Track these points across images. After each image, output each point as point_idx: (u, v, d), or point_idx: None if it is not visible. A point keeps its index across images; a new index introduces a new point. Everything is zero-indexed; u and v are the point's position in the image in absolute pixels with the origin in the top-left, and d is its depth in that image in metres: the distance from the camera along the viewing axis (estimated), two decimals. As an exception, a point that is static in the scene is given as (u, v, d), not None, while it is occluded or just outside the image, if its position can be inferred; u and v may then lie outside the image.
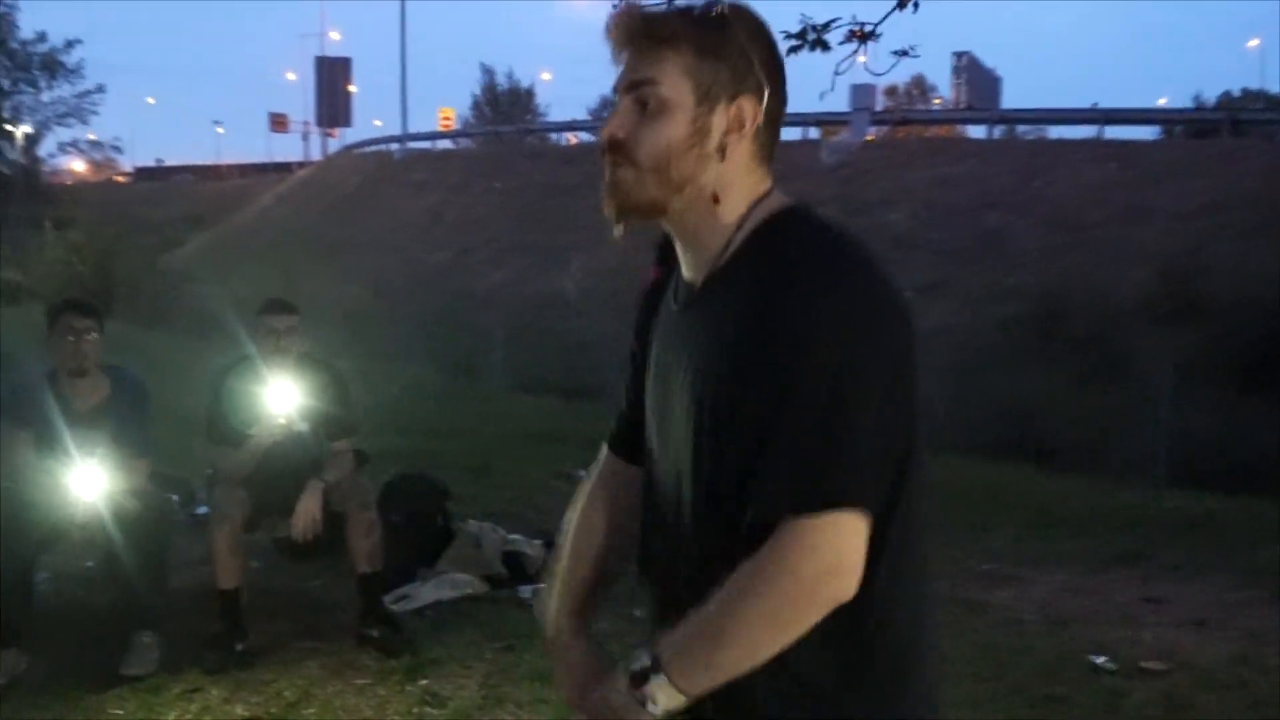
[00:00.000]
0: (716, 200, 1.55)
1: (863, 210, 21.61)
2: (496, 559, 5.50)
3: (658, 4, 1.68)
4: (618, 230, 1.59)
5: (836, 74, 5.48)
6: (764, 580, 1.42)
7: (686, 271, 1.62)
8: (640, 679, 1.48)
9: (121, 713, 4.13)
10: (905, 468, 1.49)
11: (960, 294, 20.99)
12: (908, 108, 56.12)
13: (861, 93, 28.28)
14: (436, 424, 9.30)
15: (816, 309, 1.43)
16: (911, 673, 1.57)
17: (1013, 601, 5.38)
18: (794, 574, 1.41)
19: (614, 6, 1.74)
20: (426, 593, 5.22)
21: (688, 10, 1.57)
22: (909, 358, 1.50)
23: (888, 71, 5.90)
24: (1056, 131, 36.49)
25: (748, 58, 1.54)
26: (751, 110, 1.55)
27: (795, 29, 5.75)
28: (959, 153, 28.73)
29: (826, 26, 5.64)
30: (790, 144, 29.82)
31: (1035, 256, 22.89)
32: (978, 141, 32.33)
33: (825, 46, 5.66)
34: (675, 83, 1.52)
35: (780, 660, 1.46)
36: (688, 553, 1.58)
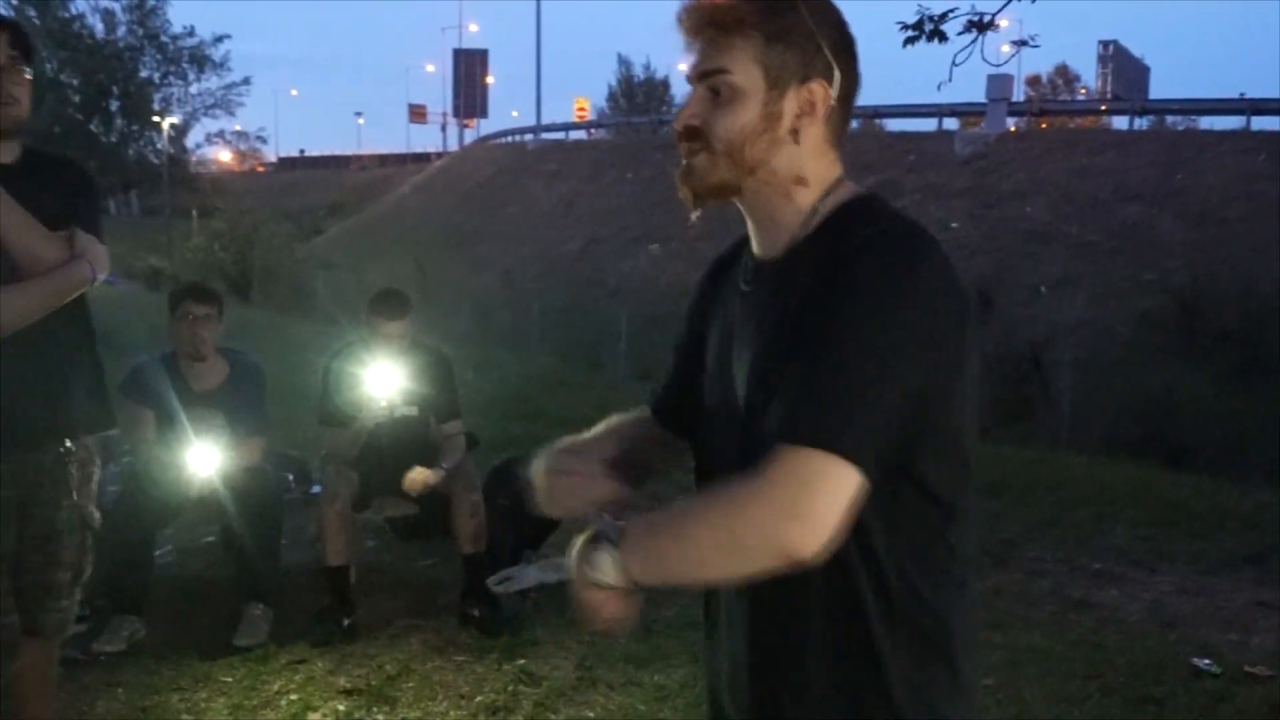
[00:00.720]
0: (798, 182, 1.58)
1: (998, 202, 21.17)
2: (600, 544, 5.55)
3: None
4: (695, 214, 1.64)
5: (954, 65, 5.42)
6: (733, 496, 1.42)
7: (758, 250, 1.65)
8: (595, 540, 1.50)
9: (230, 680, 4.30)
10: (943, 453, 1.51)
11: (1097, 288, 20.45)
12: (1050, 98, 54.79)
13: (998, 83, 27.66)
14: (556, 412, 9.39)
15: (870, 276, 1.45)
16: (936, 667, 1.55)
17: (1120, 600, 5.25)
18: (763, 498, 1.39)
19: None
20: (529, 576, 5.23)
21: None
22: (955, 345, 1.50)
23: (1005, 63, 5.82)
24: (1206, 122, 35.37)
25: (816, 41, 1.55)
26: (823, 93, 1.56)
27: (912, 19, 5.69)
28: (1098, 144, 27.93)
29: (944, 17, 5.57)
30: (924, 135, 29.35)
31: (1176, 250, 22.20)
32: (1118, 132, 31.42)
33: (943, 37, 5.59)
34: (746, 69, 1.54)
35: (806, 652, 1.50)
36: None
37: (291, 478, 6.44)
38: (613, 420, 1.88)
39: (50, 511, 3.06)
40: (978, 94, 28.05)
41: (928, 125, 30.76)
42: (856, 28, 1.63)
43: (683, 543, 1.45)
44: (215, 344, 4.90)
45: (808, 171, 1.58)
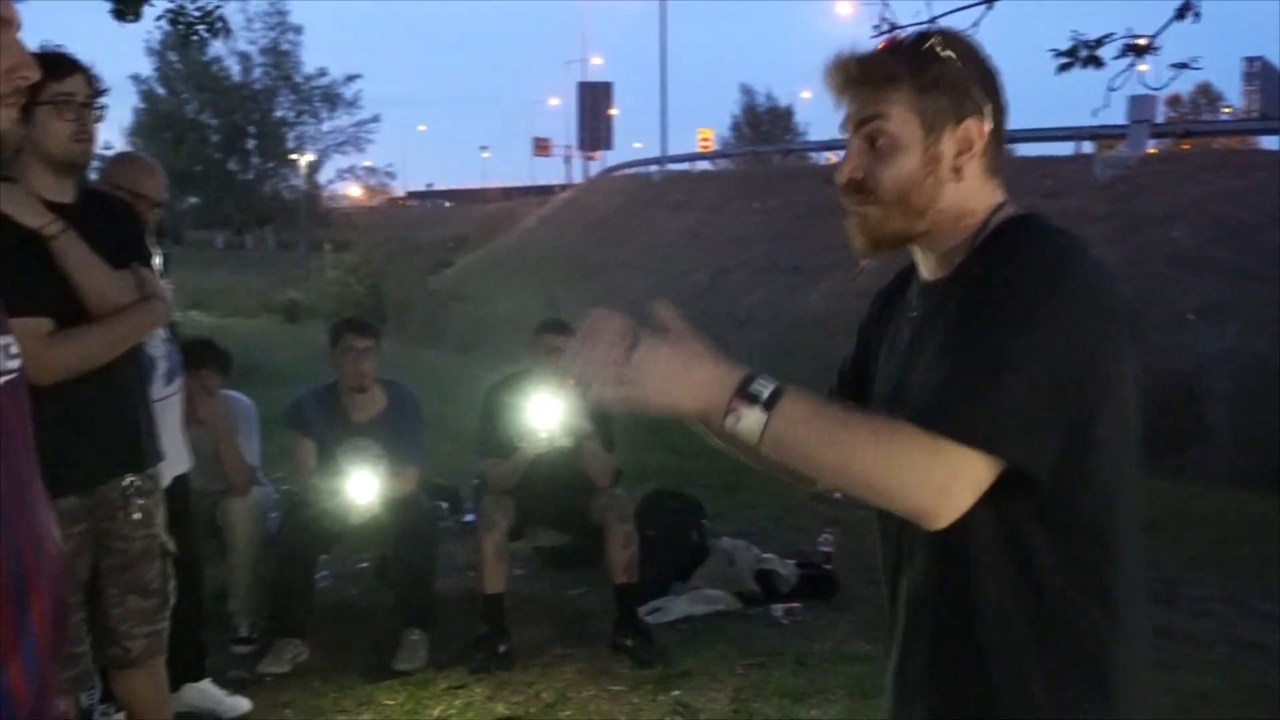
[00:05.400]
0: (966, 215, 1.63)
1: (1140, 226, 20.54)
2: (750, 577, 5.54)
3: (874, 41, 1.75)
4: (866, 263, 1.71)
5: (1110, 90, 5.30)
6: (908, 439, 1.46)
7: (925, 275, 1.71)
8: (747, 395, 1.48)
9: (392, 703, 4.37)
10: (1096, 469, 1.55)
11: (1249, 316, 19.75)
12: (1192, 118, 53.29)
13: (1140, 104, 26.87)
14: (691, 443, 9.39)
15: (1024, 281, 1.50)
16: (1091, 692, 1.57)
17: (1293, 644, 5.04)
18: (929, 461, 1.46)
19: (875, 29, 1.79)
20: (680, 606, 5.30)
21: (900, 47, 1.64)
22: (1107, 349, 1.52)
23: (1166, 85, 5.67)
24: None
25: (965, 82, 1.60)
26: (978, 129, 1.62)
27: (1065, 46, 5.58)
28: (1248, 165, 26.97)
29: (1100, 42, 5.46)
30: (1061, 159, 28.71)
31: (1335, 276, 21.31)
32: (1268, 152, 30.35)
33: (1098, 63, 5.47)
34: (902, 119, 1.60)
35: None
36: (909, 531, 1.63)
37: (445, 506, 6.55)
38: None
39: (124, 543, 3.14)
40: (1116, 116, 27.37)
41: (1063, 149, 30.14)
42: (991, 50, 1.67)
43: (835, 441, 1.47)
44: (375, 375, 5.00)
45: (973, 203, 1.64)
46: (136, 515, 3.13)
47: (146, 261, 3.17)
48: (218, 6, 6.01)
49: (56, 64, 2.94)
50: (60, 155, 2.97)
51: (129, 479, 3.13)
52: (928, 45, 1.61)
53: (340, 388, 5.00)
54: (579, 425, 4.94)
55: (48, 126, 2.93)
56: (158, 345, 3.89)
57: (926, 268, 1.70)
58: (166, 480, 3.50)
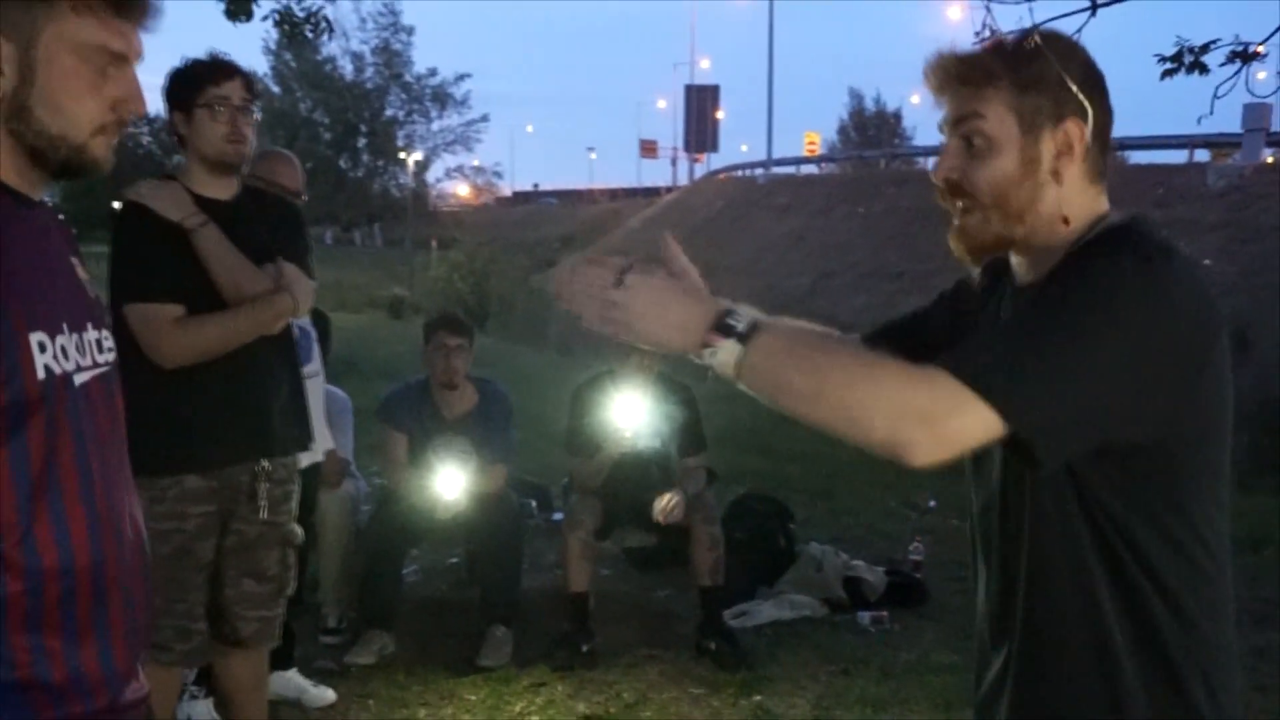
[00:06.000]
0: (1067, 222, 1.59)
1: (1255, 237, 19.97)
2: (837, 583, 5.49)
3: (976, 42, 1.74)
4: (974, 269, 1.73)
5: (1216, 97, 5.16)
6: (886, 368, 1.43)
7: (1020, 278, 1.68)
8: (723, 328, 1.47)
9: (475, 698, 4.41)
10: (1183, 485, 1.53)
11: (1366, 331, 19.13)
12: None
13: (1255, 112, 26.10)
14: (789, 446, 9.33)
15: (1097, 271, 1.47)
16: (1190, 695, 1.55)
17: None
18: (911, 390, 1.41)
19: (977, 34, 1.81)
20: (765, 611, 5.27)
21: (1000, 47, 1.62)
22: (1194, 371, 1.49)
23: (1275, 92, 5.51)
24: None
25: (1065, 82, 1.56)
26: (1078, 132, 1.57)
27: (1170, 52, 5.46)
28: (1369, 176, 26.15)
29: (1205, 49, 5.32)
30: (1172, 168, 28.05)
31: None
32: (1391, 164, 29.35)
33: (1203, 69, 5.34)
34: (1000, 118, 1.57)
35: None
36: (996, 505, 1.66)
37: (534, 504, 6.60)
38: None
39: (244, 526, 3.22)
40: (1231, 124, 26.62)
41: (1176, 157, 29.45)
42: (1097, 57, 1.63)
43: (810, 371, 1.44)
44: (466, 373, 5.05)
45: (1072, 209, 1.59)
46: (263, 500, 3.21)
47: (297, 256, 3.27)
48: (321, 7, 6.17)
49: (215, 68, 3.14)
50: (214, 155, 3.12)
51: (261, 463, 3.22)
52: (1028, 44, 1.58)
53: (432, 384, 5.06)
54: (664, 425, 4.94)
55: (203, 128, 3.09)
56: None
57: (1020, 272, 1.67)
58: (303, 464, 3.58)
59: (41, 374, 1.44)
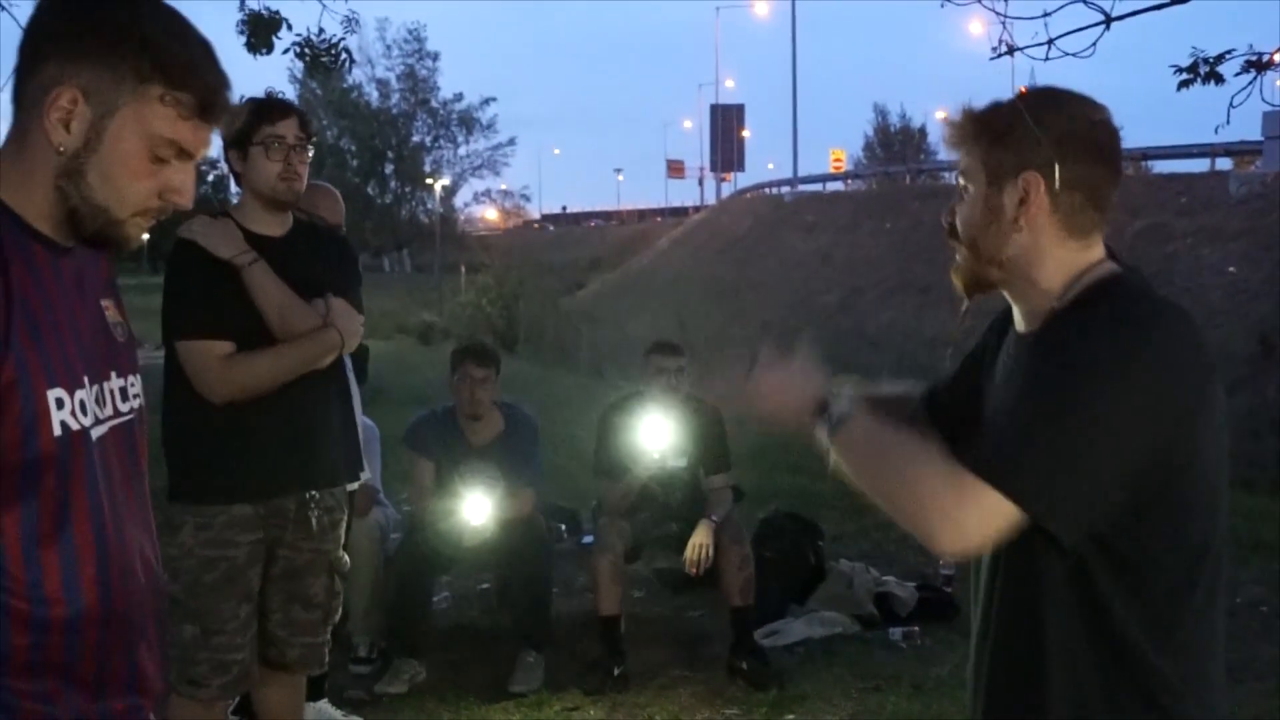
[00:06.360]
0: (1037, 269, 1.70)
1: (1278, 243, 19.81)
2: (868, 600, 5.47)
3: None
4: (966, 304, 1.83)
5: (1231, 107, 5.17)
6: (931, 465, 1.60)
7: (1019, 326, 1.79)
8: (823, 412, 1.76)
9: (507, 725, 4.42)
10: (1181, 529, 1.61)
11: (1397, 335, 18.88)
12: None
13: (1274, 120, 25.92)
14: (817, 464, 9.32)
15: (1090, 343, 1.57)
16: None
17: None
18: (944, 492, 1.57)
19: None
20: (797, 629, 5.26)
21: (992, 106, 1.75)
22: (1194, 425, 1.59)
23: (1287, 100, 5.49)
24: None
25: (1036, 138, 1.66)
26: (1035, 182, 1.67)
27: (1185, 63, 5.47)
28: (1398, 180, 25.89)
29: (1220, 59, 5.33)
30: (1195, 176, 27.88)
31: None
32: None
33: (1219, 79, 5.35)
34: (974, 169, 1.73)
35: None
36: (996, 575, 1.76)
37: (564, 528, 6.60)
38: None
39: (292, 552, 3.26)
40: (1252, 131, 26.42)
41: (1198, 166, 29.26)
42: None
43: (880, 461, 1.69)
44: (491, 402, 5.07)
45: (1046, 259, 1.69)
46: (314, 528, 3.25)
47: (347, 290, 3.32)
48: (341, 39, 6.24)
49: (270, 107, 3.22)
50: (267, 192, 3.19)
51: (310, 493, 3.25)
52: (1007, 104, 1.72)
53: (458, 411, 5.08)
54: (691, 445, 4.95)
55: (258, 165, 3.17)
56: None
57: (1017, 319, 1.78)
58: None
59: (58, 431, 1.45)
